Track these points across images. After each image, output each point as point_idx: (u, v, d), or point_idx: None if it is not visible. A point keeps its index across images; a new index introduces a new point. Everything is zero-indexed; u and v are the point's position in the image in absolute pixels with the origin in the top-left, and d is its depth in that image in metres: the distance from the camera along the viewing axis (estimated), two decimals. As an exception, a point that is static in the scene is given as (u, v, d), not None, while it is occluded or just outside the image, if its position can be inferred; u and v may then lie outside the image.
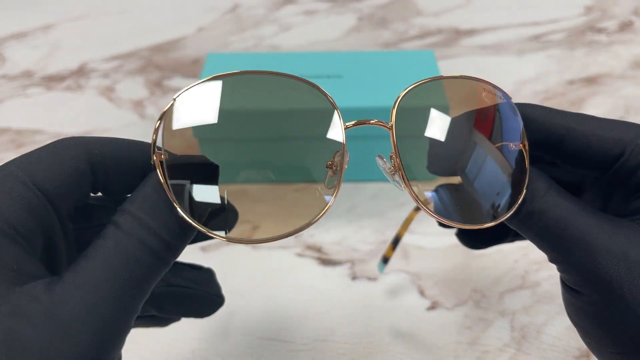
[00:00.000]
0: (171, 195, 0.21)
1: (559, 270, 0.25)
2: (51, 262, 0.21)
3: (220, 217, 0.23)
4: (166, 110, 0.22)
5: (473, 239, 0.32)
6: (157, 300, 0.26)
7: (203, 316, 0.29)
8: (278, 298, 0.41)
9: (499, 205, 0.25)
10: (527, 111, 0.25)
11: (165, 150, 0.22)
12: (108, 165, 0.22)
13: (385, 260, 0.39)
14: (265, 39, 0.74)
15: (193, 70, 0.67)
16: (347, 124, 0.25)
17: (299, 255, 0.44)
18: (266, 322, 0.39)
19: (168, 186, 0.21)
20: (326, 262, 0.44)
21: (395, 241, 0.39)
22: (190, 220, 0.21)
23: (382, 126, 0.25)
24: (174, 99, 0.23)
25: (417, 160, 0.25)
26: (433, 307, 0.40)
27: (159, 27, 0.76)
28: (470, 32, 0.73)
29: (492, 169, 0.25)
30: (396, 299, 0.41)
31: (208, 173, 0.23)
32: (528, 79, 0.64)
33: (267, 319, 0.39)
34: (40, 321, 0.18)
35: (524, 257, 0.43)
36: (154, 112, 0.61)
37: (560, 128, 0.24)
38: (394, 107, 0.25)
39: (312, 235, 0.46)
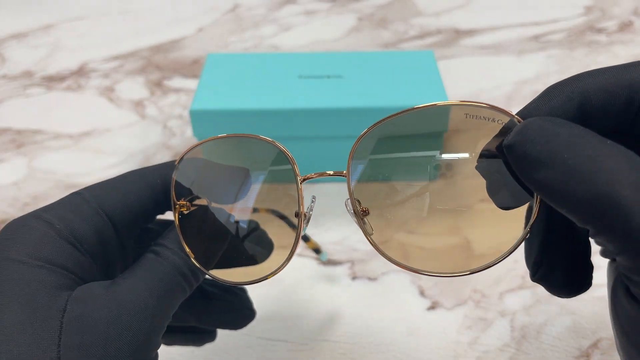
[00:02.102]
0: (185, 246, 0.26)
1: (615, 251, 0.18)
2: (109, 272, 0.26)
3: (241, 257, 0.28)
4: (178, 162, 0.27)
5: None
6: (197, 311, 0.30)
7: (237, 328, 0.32)
8: (278, 298, 0.41)
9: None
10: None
11: (183, 204, 0.27)
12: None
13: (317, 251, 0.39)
14: (265, 39, 0.74)
15: (193, 70, 0.68)
16: (302, 177, 0.25)
17: (299, 255, 0.44)
18: (266, 322, 0.39)
19: (183, 236, 0.26)
20: (326, 262, 0.44)
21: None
22: (195, 263, 0.25)
23: (338, 176, 0.24)
24: (177, 163, 0.27)
25: (384, 203, 0.25)
26: (433, 307, 0.40)
27: (159, 27, 0.76)
28: (470, 32, 0.73)
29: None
30: (396, 299, 0.41)
31: (209, 225, 0.27)
32: (528, 79, 0.64)
33: (267, 319, 0.39)
34: (101, 309, 0.22)
35: (524, 257, 0.43)
36: (154, 112, 0.61)
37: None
38: (350, 155, 0.24)
39: (312, 235, 0.46)
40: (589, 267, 0.24)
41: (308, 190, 0.45)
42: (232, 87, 0.49)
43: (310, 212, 0.25)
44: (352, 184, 0.24)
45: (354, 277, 0.42)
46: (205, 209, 0.27)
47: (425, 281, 0.42)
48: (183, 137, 0.57)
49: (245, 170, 0.27)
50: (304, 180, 0.24)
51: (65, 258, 0.23)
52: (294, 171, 0.24)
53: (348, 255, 0.44)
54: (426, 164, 0.24)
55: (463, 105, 0.22)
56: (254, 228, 0.28)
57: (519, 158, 0.20)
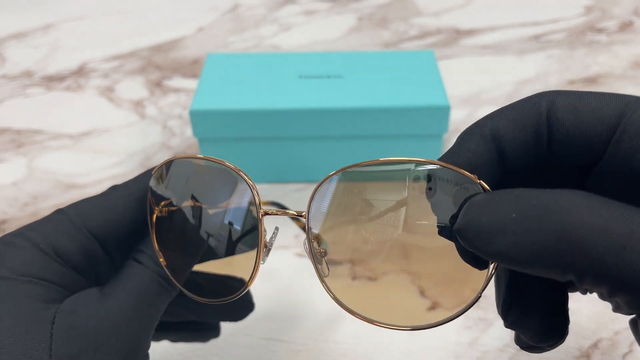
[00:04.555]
0: (158, 253, 0.26)
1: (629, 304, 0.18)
2: (100, 285, 0.26)
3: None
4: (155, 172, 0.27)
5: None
6: (194, 306, 0.30)
7: (237, 320, 0.32)
8: (278, 298, 0.41)
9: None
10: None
11: (160, 207, 0.27)
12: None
13: None
14: (266, 39, 0.74)
15: (193, 70, 0.67)
16: (264, 209, 0.24)
17: (299, 255, 0.44)
18: (266, 322, 0.39)
19: (158, 243, 0.26)
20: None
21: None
22: (169, 275, 0.26)
23: (297, 217, 0.24)
24: (153, 173, 0.27)
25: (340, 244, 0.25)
26: (433, 307, 0.40)
27: (159, 27, 0.76)
28: (470, 32, 0.73)
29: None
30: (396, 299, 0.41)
31: (180, 236, 0.27)
32: (528, 79, 0.64)
33: (267, 319, 0.39)
34: (89, 318, 0.23)
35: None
36: (154, 112, 0.61)
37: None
38: (311, 197, 0.23)
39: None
40: (566, 315, 0.22)
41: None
42: (232, 87, 0.49)
43: (272, 242, 0.25)
44: (313, 223, 0.24)
45: (354, 277, 0.42)
46: (179, 216, 0.27)
47: (425, 281, 0.42)
48: (183, 137, 0.57)
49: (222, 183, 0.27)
50: (265, 214, 0.24)
51: (52, 274, 0.24)
52: (256, 204, 0.24)
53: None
54: (393, 211, 0.23)
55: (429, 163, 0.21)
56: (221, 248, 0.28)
57: (469, 240, 0.18)
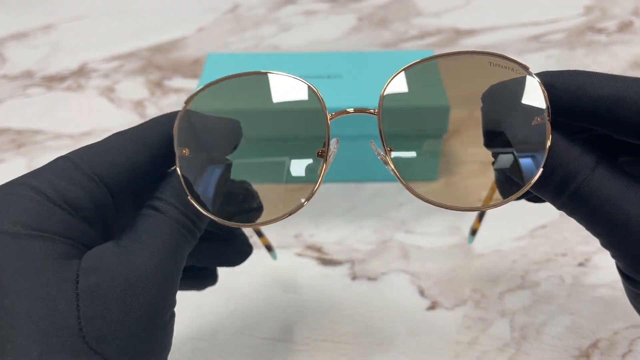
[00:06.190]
0: (185, 189, 0.25)
1: (612, 256, 0.23)
2: (107, 237, 0.25)
3: (240, 209, 0.28)
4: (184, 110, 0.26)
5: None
6: (195, 251, 0.28)
7: (235, 264, 0.31)
8: (278, 298, 0.41)
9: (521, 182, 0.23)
10: (559, 80, 0.23)
11: (184, 148, 0.26)
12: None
13: (474, 232, 0.38)
14: (265, 39, 0.74)
15: (193, 70, 0.68)
16: (331, 114, 0.26)
17: (299, 255, 0.44)
18: (266, 322, 0.39)
19: (184, 182, 0.25)
20: (326, 262, 0.44)
21: (481, 214, 0.37)
22: (197, 206, 0.25)
23: (366, 113, 0.26)
24: (186, 103, 0.26)
25: (407, 142, 0.26)
26: (433, 307, 0.40)
27: (159, 28, 0.76)
28: (470, 32, 0.73)
29: (512, 145, 0.24)
30: (396, 299, 0.41)
31: (217, 169, 0.27)
32: (528, 79, 0.64)
33: (267, 319, 0.40)
34: (114, 276, 0.21)
35: (523, 257, 0.43)
36: (154, 112, 0.61)
37: (605, 96, 0.22)
38: (382, 93, 0.25)
39: (312, 235, 0.46)
40: None
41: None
42: (232, 87, 0.49)
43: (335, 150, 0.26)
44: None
45: (354, 277, 0.42)
46: (208, 155, 0.26)
47: (425, 281, 0.42)
48: (183, 137, 0.57)
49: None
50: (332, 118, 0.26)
51: (62, 226, 0.22)
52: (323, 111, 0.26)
53: (348, 255, 0.44)
54: None
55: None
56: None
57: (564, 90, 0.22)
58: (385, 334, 0.38)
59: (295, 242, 0.45)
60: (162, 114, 0.26)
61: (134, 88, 0.65)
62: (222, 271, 0.34)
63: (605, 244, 0.23)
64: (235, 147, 0.27)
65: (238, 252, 0.31)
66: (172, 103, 0.62)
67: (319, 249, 0.45)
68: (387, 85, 0.26)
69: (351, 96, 0.48)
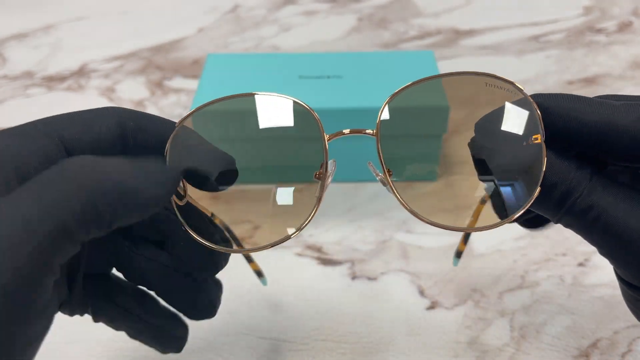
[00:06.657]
0: (183, 222, 0.26)
1: (612, 264, 0.23)
2: None
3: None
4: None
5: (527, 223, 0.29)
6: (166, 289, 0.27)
7: (194, 316, 0.28)
8: (278, 298, 0.41)
9: (517, 204, 0.24)
10: (551, 104, 0.23)
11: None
12: (137, 138, 0.25)
13: (459, 254, 0.38)
14: (266, 39, 0.74)
15: (193, 70, 0.68)
16: (328, 135, 0.26)
17: (299, 255, 0.44)
18: (266, 322, 0.39)
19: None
20: (326, 262, 0.44)
21: (467, 236, 0.37)
22: (199, 238, 0.25)
23: (364, 134, 0.26)
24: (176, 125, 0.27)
25: (405, 162, 0.26)
26: (432, 306, 0.40)
27: (159, 28, 0.77)
28: (470, 33, 0.73)
29: (506, 167, 0.25)
30: (396, 298, 0.41)
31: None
32: (527, 79, 0.64)
33: (267, 318, 0.40)
34: None
35: (523, 257, 0.43)
36: (154, 112, 0.61)
37: (596, 125, 0.22)
38: (382, 109, 0.26)
39: (311, 235, 0.46)
40: None
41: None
42: (232, 87, 0.49)
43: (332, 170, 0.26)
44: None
45: (354, 277, 0.43)
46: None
47: (425, 281, 0.42)
48: (183, 138, 0.57)
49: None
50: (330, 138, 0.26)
51: None
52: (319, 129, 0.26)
53: (348, 255, 0.44)
54: None
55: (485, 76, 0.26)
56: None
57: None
58: (385, 334, 0.38)
59: (295, 242, 0.45)
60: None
61: (134, 88, 0.65)
62: (222, 271, 0.34)
63: (605, 254, 0.23)
64: (226, 183, 0.27)
65: (206, 303, 0.28)
66: (173, 103, 0.62)
67: (318, 249, 0.45)
68: (383, 108, 0.26)
69: (351, 96, 0.48)
